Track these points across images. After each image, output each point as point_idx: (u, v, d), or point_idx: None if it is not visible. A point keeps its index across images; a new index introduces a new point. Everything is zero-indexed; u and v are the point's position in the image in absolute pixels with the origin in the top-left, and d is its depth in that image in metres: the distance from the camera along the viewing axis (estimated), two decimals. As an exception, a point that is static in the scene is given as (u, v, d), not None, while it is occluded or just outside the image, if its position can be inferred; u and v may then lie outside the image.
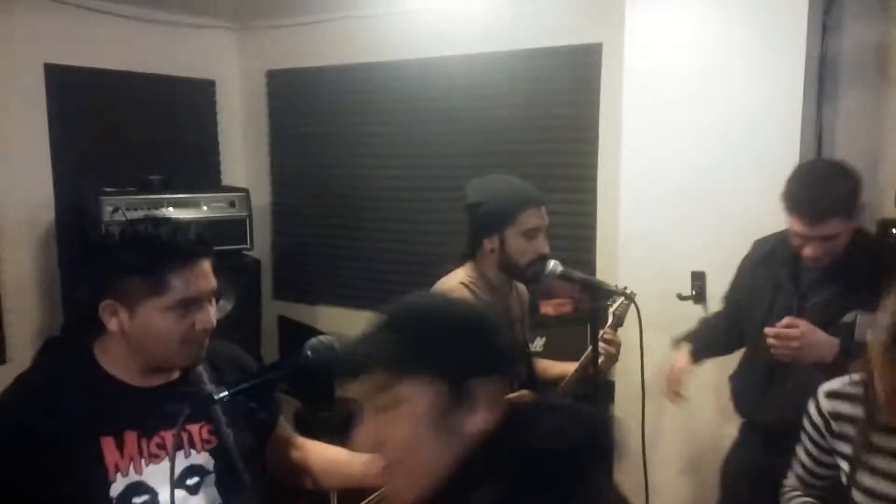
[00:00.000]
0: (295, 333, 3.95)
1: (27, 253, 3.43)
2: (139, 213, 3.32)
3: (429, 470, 0.96)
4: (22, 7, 3.34)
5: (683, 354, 2.37)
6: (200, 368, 1.52)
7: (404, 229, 3.81)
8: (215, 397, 1.29)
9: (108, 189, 3.34)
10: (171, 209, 3.40)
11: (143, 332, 1.39)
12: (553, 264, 2.10)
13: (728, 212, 2.67)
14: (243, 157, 4.31)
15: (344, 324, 3.91)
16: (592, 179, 3.27)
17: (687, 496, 2.87)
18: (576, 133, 3.30)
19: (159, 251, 1.37)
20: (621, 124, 2.89)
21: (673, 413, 2.59)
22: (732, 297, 2.40)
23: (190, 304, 1.39)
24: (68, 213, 3.50)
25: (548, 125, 3.36)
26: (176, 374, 1.50)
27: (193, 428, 1.50)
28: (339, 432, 3.87)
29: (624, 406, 2.84)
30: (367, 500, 1.64)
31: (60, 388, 1.41)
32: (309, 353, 1.33)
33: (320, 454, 1.75)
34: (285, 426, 1.76)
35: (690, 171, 2.75)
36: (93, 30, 3.59)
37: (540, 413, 1.00)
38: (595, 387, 2.08)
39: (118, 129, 3.74)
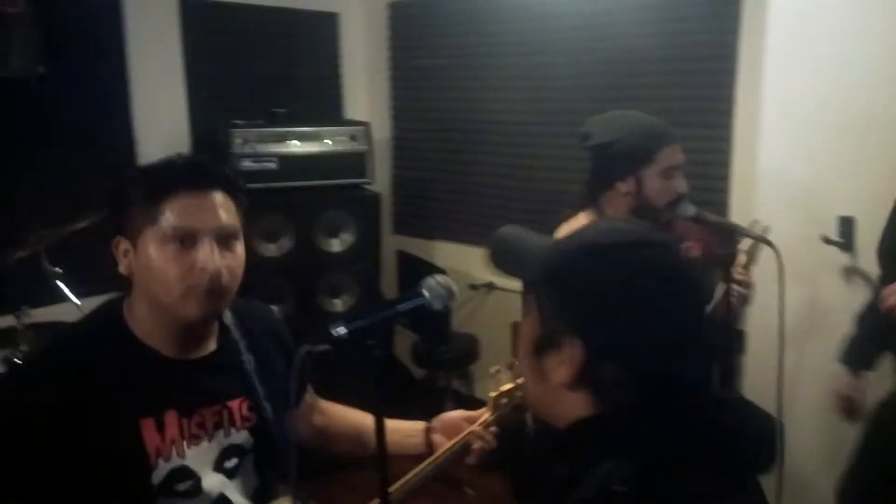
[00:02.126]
0: (413, 268, 3.99)
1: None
2: (265, 146, 3.41)
3: (564, 417, 0.89)
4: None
5: (847, 380, 2.21)
6: (237, 338, 1.44)
7: (525, 165, 3.72)
8: (334, 334, 1.16)
9: (236, 122, 3.44)
10: (295, 142, 3.47)
11: (145, 271, 1.27)
12: (685, 205, 1.96)
13: (886, 152, 2.40)
14: (365, 90, 4.32)
15: (461, 259, 3.91)
16: (728, 114, 3.03)
17: (824, 452, 2.70)
18: (711, 64, 3.04)
19: (157, 178, 1.29)
20: (764, 53, 2.63)
21: (814, 363, 2.41)
22: (884, 249, 2.16)
23: (186, 238, 1.25)
24: (202, 145, 3.64)
25: (680, 55, 3.12)
26: (212, 346, 1.40)
27: (234, 404, 1.40)
28: (455, 366, 3.96)
29: (758, 357, 2.68)
30: (418, 470, 1.53)
31: (92, 360, 1.28)
32: (426, 292, 1.27)
33: (343, 418, 1.67)
34: (310, 390, 1.67)
35: (842, 105, 2.48)
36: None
37: (714, 402, 0.90)
38: (729, 333, 1.95)
39: (247, 62, 3.83)
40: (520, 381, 1.50)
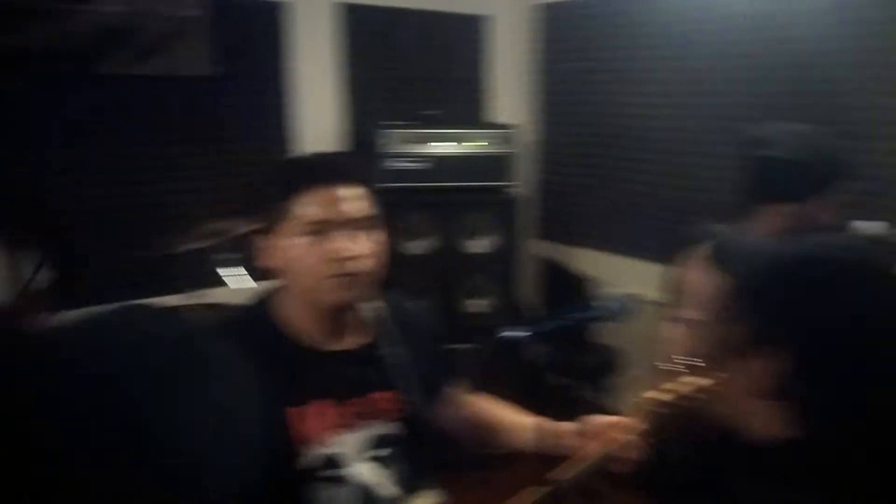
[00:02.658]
0: (556, 275, 3.93)
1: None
2: (414, 146, 3.48)
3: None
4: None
5: None
6: (390, 330, 1.45)
7: (678, 173, 3.55)
8: (521, 335, 1.21)
9: (387, 122, 3.52)
10: (443, 143, 3.51)
11: (286, 262, 1.34)
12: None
13: None
14: (512, 93, 4.30)
15: (606, 269, 3.80)
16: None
17: None
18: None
19: (292, 173, 1.37)
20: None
21: None
22: None
23: (323, 229, 1.31)
24: (354, 146, 3.76)
25: (863, 61, 2.85)
26: (363, 338, 1.44)
27: (383, 395, 1.42)
28: (593, 376, 3.86)
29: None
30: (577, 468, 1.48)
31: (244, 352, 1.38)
32: (601, 305, 1.23)
33: (488, 413, 1.64)
34: (459, 384, 1.65)
35: None
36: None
37: None
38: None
39: (399, 65, 3.92)
40: (680, 386, 1.39)
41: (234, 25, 3.36)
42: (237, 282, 2.65)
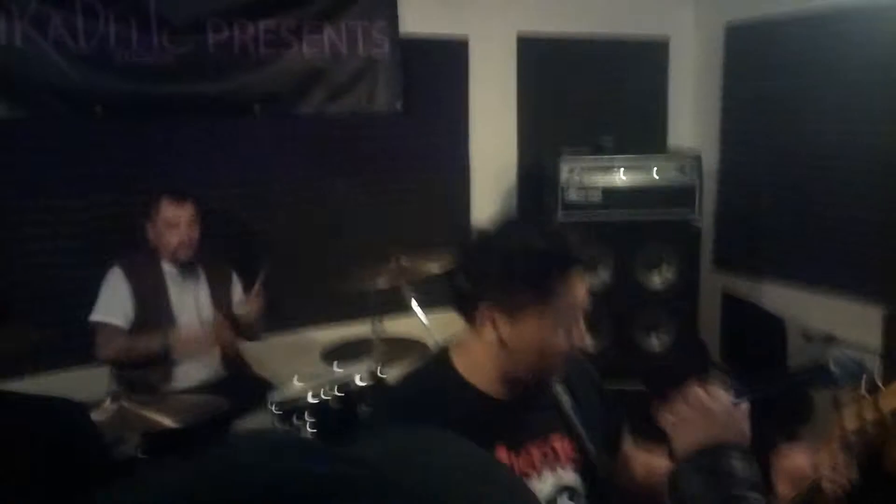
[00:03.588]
0: (738, 311, 3.71)
1: (492, 207, 3.82)
2: (591, 176, 3.43)
3: None
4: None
5: None
6: (566, 376, 1.47)
7: (875, 203, 3.24)
8: (735, 400, 1.14)
9: (564, 150, 3.50)
10: (620, 172, 3.43)
11: (521, 342, 1.34)
12: None
13: None
14: (692, 118, 4.14)
15: (794, 304, 3.53)
16: None
17: None
18: None
19: (549, 260, 1.33)
20: None
21: None
22: None
23: (571, 315, 1.34)
24: (529, 176, 3.78)
25: None
26: (531, 387, 1.44)
27: (557, 440, 1.44)
28: (783, 423, 3.58)
29: None
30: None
31: (431, 402, 1.37)
32: (835, 369, 1.14)
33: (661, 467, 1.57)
34: (629, 437, 1.62)
35: None
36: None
37: None
38: None
39: (574, 92, 3.90)
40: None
41: (419, 63, 3.50)
42: (421, 318, 2.74)
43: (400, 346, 2.70)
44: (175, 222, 2.77)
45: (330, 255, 3.31)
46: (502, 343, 1.35)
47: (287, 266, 3.18)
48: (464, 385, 1.41)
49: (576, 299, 1.34)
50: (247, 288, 2.96)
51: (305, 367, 2.65)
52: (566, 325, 1.34)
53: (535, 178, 3.73)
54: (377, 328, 2.71)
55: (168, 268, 2.83)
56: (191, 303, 2.86)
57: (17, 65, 2.82)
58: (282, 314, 3.17)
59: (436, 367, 1.47)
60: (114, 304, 2.74)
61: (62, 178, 2.96)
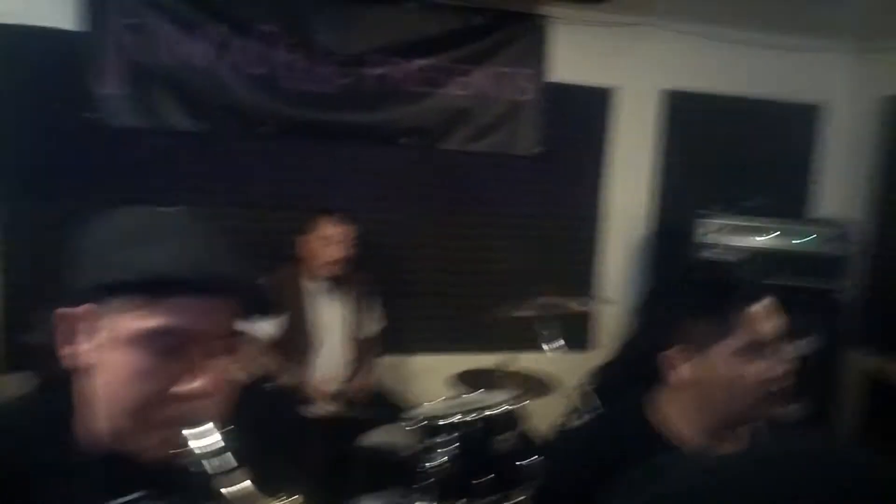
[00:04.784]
0: (886, 396, 3.44)
1: (620, 259, 3.78)
2: (730, 238, 3.33)
3: None
4: (646, 37, 3.66)
5: None
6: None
7: None
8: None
9: (705, 211, 3.42)
10: (765, 235, 3.32)
11: (711, 381, 1.28)
12: None
13: None
14: (842, 186, 3.95)
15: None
16: None
17: None
18: None
19: (727, 289, 1.30)
20: None
21: None
22: None
23: (759, 348, 1.27)
24: (664, 232, 3.71)
25: None
26: (742, 443, 1.34)
27: None
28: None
29: None
30: None
31: (613, 444, 1.33)
32: None
33: None
34: None
35: None
36: (708, 56, 3.72)
37: None
38: None
39: (717, 151, 3.81)
40: None
41: (563, 108, 3.55)
42: (554, 353, 2.71)
43: (530, 381, 2.68)
44: (332, 239, 2.90)
45: (466, 285, 3.36)
46: (691, 385, 1.31)
47: (422, 293, 3.24)
48: (648, 429, 1.35)
49: (762, 328, 1.28)
50: (384, 307, 3.06)
51: (434, 391, 2.68)
52: (756, 357, 1.27)
53: (671, 234, 3.66)
54: (507, 361, 2.70)
55: (312, 285, 2.94)
56: (335, 320, 2.96)
57: (204, 84, 3.10)
58: (410, 338, 3.23)
59: (621, 413, 1.43)
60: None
61: (224, 189, 3.18)
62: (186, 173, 3.14)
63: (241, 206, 3.18)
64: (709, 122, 3.81)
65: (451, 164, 3.47)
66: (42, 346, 0.91)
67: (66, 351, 0.87)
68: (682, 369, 1.30)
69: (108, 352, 0.84)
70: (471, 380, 2.76)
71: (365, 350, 2.97)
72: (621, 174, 3.72)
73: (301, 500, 0.90)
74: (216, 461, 0.82)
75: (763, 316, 1.29)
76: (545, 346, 2.68)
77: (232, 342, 0.88)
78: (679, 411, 1.35)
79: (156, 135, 3.06)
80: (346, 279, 2.98)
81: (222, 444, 0.83)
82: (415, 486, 2.11)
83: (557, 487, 1.38)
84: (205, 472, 0.81)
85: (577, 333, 3.37)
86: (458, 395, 2.49)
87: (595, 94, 3.64)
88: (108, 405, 0.86)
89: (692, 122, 3.78)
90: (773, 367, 1.28)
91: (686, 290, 1.34)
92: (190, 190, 3.12)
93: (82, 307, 0.85)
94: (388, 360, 3.17)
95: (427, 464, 2.13)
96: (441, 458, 2.13)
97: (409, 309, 3.37)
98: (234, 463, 0.82)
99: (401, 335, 3.12)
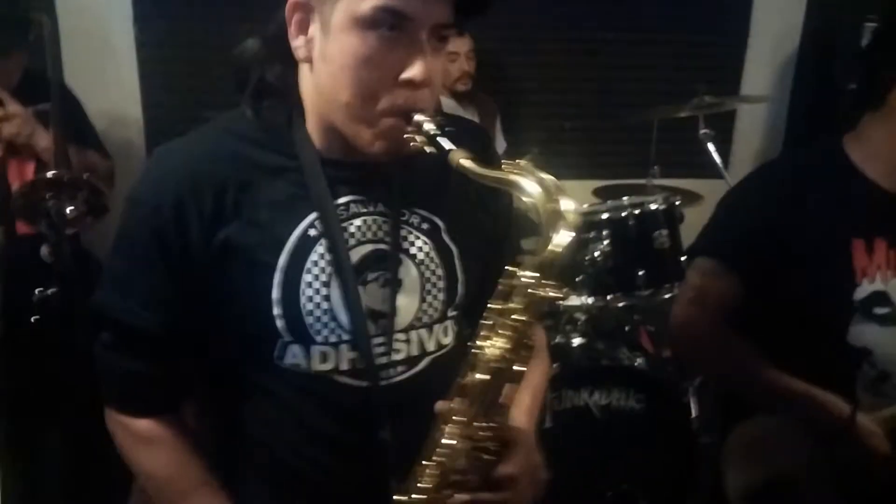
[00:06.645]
0: None
1: (766, 77, 3.50)
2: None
3: None
4: None
5: None
6: None
7: None
8: None
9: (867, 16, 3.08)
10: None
11: None
12: None
13: None
14: None
15: None
16: None
17: None
18: None
19: None
20: None
21: None
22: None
23: None
24: (818, 40, 3.39)
25: None
26: None
27: None
28: None
29: None
30: None
31: (810, 180, 1.39)
32: None
33: None
34: None
35: None
36: None
37: None
38: None
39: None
40: None
41: None
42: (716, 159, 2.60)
43: (678, 194, 2.59)
44: (455, 54, 2.81)
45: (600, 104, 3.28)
46: None
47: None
48: (852, 172, 1.39)
49: None
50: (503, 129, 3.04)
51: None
52: None
53: (825, 48, 3.35)
54: (653, 174, 2.63)
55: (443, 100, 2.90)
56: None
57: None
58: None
59: (822, 151, 1.45)
60: None
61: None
62: None
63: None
64: None
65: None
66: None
67: (298, 42, 0.89)
68: None
69: (337, 36, 0.85)
70: (613, 193, 2.70)
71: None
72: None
73: (531, 159, 0.94)
74: (445, 141, 0.85)
75: None
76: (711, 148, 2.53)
77: (450, 34, 0.89)
78: (883, 154, 1.37)
79: None
80: (469, 97, 2.94)
81: (445, 126, 0.86)
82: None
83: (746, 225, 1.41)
84: (440, 149, 0.85)
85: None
86: (604, 202, 2.44)
87: None
88: (334, 95, 0.87)
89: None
90: None
91: None
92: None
93: None
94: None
95: (582, 258, 2.14)
96: (594, 253, 2.13)
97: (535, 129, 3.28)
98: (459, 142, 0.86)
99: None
